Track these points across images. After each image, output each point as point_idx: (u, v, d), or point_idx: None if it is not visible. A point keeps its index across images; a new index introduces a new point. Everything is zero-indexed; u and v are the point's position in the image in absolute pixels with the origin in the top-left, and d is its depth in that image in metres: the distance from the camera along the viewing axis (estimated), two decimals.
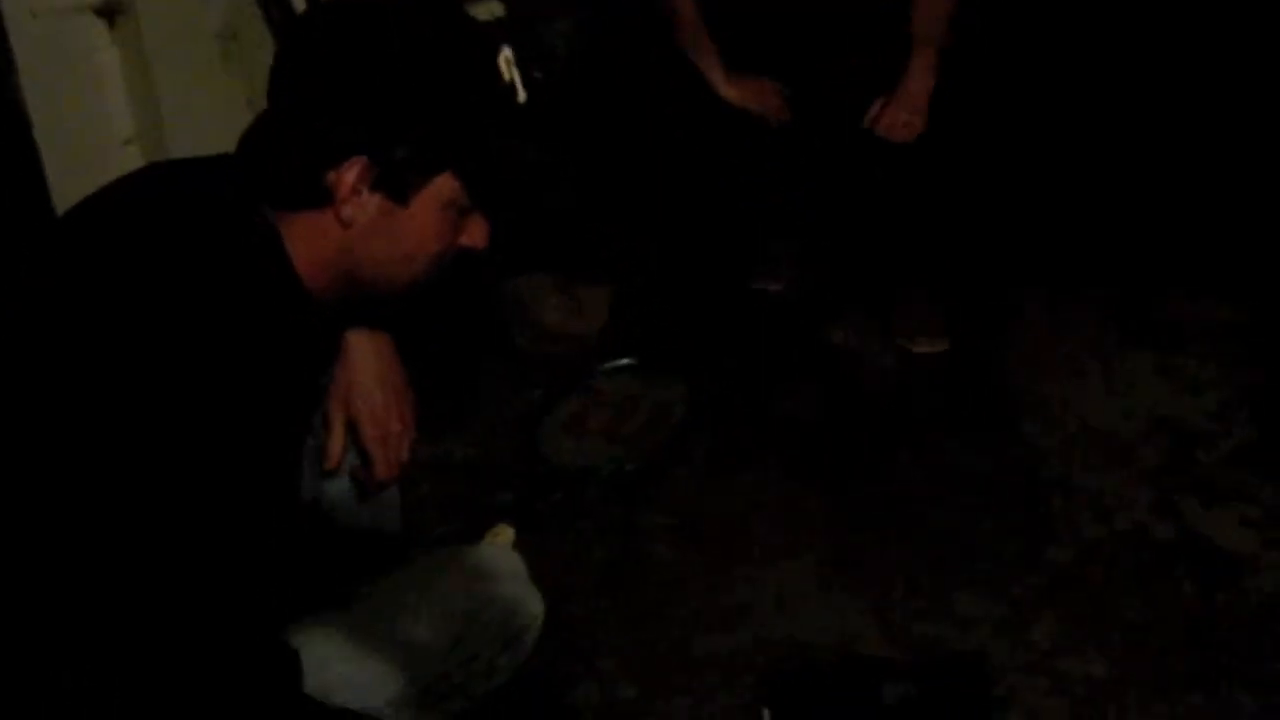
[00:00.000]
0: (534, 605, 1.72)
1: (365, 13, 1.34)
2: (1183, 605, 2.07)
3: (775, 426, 2.52)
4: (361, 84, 1.29)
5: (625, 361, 2.65)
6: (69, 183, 2.96)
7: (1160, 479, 2.33)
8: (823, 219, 2.96)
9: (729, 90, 2.63)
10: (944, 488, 2.33)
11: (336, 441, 1.63)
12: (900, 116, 2.57)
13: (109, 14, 2.92)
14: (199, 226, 1.29)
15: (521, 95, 1.40)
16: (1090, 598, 2.09)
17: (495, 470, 2.42)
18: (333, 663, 1.52)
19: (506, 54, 1.38)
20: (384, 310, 1.58)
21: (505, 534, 2.19)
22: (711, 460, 2.43)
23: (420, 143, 1.31)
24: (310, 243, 1.33)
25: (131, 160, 3.05)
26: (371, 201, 1.32)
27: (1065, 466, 2.36)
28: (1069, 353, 2.66)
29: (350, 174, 1.29)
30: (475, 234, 1.42)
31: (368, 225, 1.32)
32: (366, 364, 1.63)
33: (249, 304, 1.26)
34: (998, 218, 3.12)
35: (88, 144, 3.01)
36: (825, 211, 2.94)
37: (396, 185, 1.32)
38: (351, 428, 1.63)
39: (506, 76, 1.38)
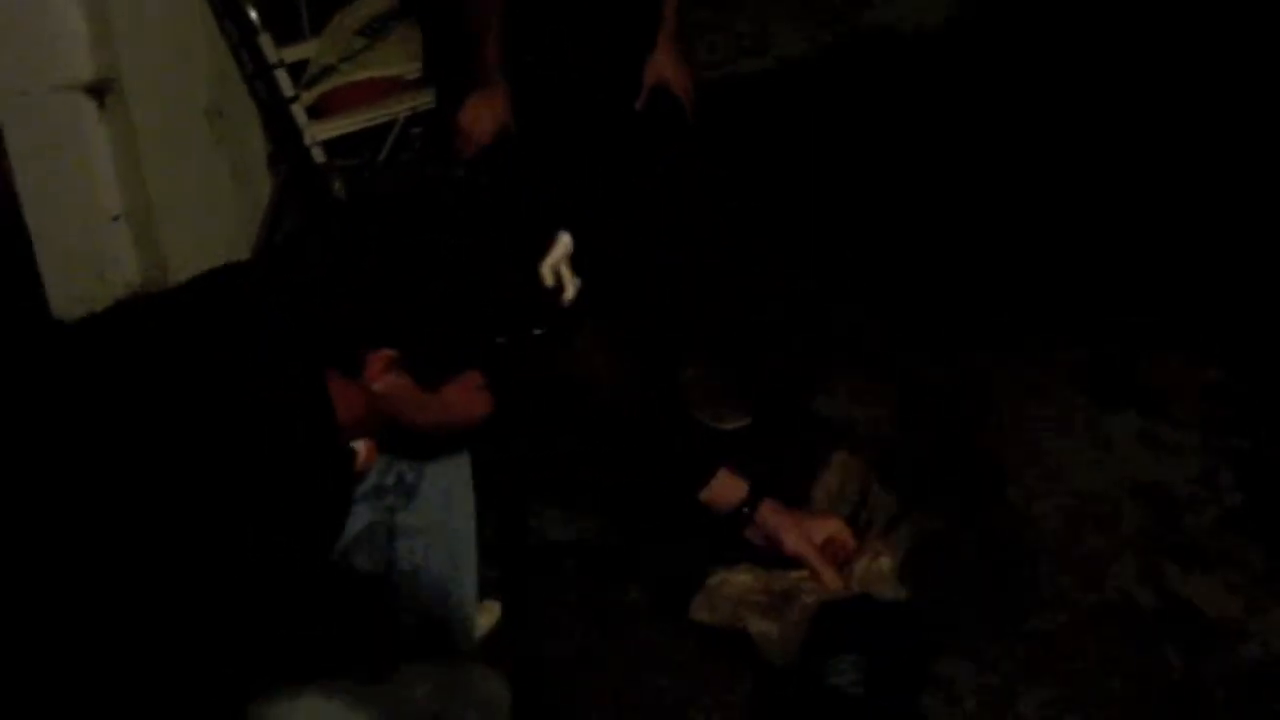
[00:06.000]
0: None
1: (420, 218, 1.43)
2: (1169, 673, 2.07)
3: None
4: (400, 292, 1.38)
5: None
6: (57, 258, 2.98)
7: (1145, 545, 2.34)
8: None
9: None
10: (929, 556, 2.33)
11: None
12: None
13: (99, 93, 2.95)
14: (258, 374, 1.35)
15: (570, 292, 1.44)
16: (1078, 667, 2.09)
17: (482, 545, 2.42)
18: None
19: (556, 256, 1.41)
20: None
21: (492, 610, 2.19)
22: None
23: (447, 350, 1.40)
24: (350, 399, 1.38)
25: (120, 236, 3.08)
26: (402, 380, 1.40)
27: (1050, 534, 2.37)
28: (1051, 419, 2.67)
29: (377, 364, 1.38)
30: None
31: (399, 396, 1.40)
32: None
33: (286, 450, 1.33)
34: (970, 280, 3.17)
35: (76, 220, 3.03)
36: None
37: (423, 375, 1.40)
38: None
39: (549, 282, 1.42)
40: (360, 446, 1.56)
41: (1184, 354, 2.84)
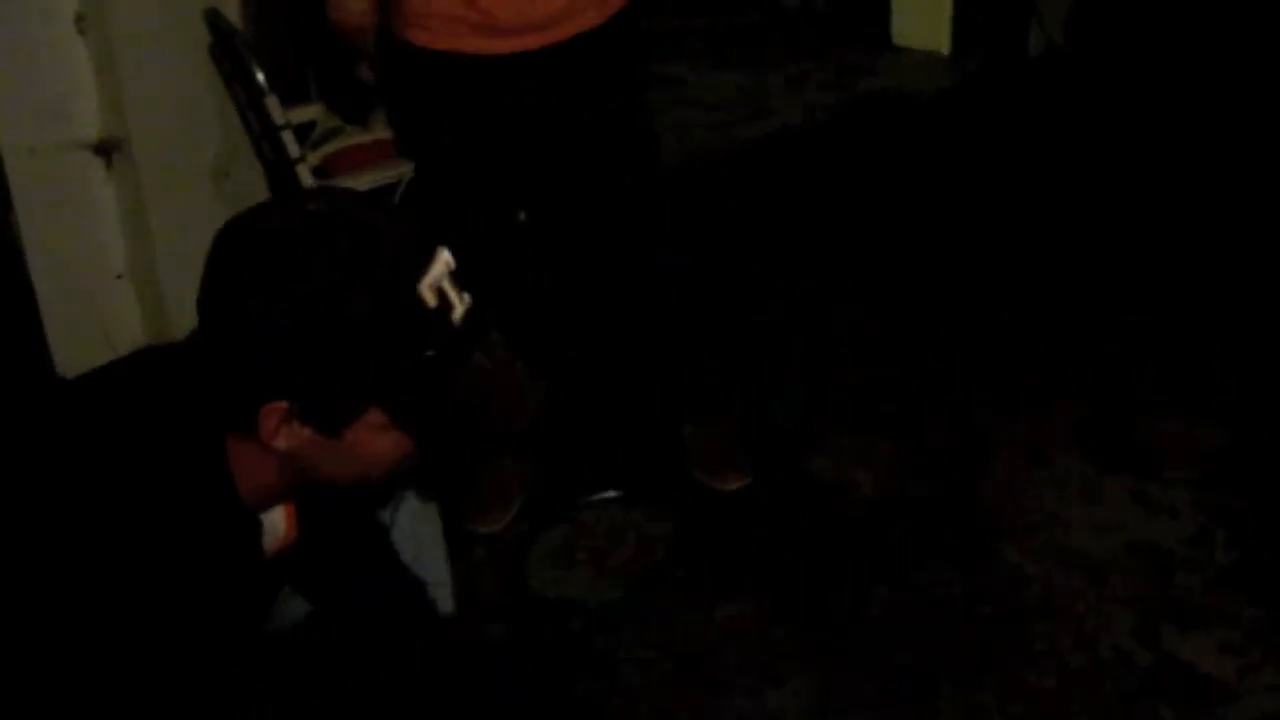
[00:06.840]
0: None
1: (285, 260, 1.31)
2: None
3: (758, 556, 2.53)
4: (278, 339, 1.29)
5: (611, 494, 2.67)
6: (62, 315, 3.01)
7: (1140, 604, 2.35)
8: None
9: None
10: (924, 615, 2.34)
11: None
12: None
13: (107, 152, 2.99)
14: (152, 451, 1.34)
15: (459, 311, 1.36)
16: None
17: (483, 602, 2.43)
18: None
19: (434, 275, 1.33)
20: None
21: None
22: (696, 591, 2.44)
23: (339, 390, 1.32)
24: (252, 463, 1.36)
25: (125, 294, 3.10)
26: (303, 432, 1.33)
27: (1046, 593, 2.38)
28: (1049, 479, 2.69)
29: (271, 419, 1.32)
30: None
31: (306, 451, 1.35)
32: None
33: (180, 526, 1.31)
34: (967, 339, 3.20)
35: (82, 277, 3.06)
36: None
37: (323, 422, 1.33)
38: None
39: (432, 302, 1.33)
40: (279, 518, 1.49)
41: (1180, 416, 2.86)
